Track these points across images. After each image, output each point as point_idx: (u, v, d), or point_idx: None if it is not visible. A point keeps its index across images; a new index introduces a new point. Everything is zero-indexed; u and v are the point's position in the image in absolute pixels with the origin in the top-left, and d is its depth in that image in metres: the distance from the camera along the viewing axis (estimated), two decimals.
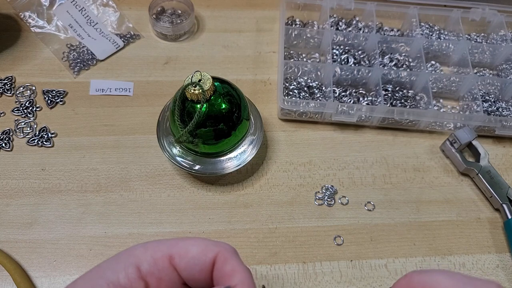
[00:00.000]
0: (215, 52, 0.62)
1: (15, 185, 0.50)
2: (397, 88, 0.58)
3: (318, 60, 0.61)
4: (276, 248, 0.47)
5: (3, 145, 0.52)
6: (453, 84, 0.58)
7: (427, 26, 0.64)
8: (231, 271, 0.26)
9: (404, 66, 0.60)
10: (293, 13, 0.64)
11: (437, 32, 0.64)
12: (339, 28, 0.63)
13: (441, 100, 0.59)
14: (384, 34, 0.63)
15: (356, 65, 0.59)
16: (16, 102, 0.55)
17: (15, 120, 0.54)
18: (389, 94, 0.58)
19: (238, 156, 0.49)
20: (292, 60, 0.60)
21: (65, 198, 0.49)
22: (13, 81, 0.57)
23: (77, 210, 0.49)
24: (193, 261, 0.26)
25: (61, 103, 0.56)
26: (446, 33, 0.64)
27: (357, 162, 0.54)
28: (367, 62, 0.60)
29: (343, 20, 0.64)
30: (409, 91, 0.58)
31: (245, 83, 0.59)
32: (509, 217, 0.49)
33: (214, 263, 0.26)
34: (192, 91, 0.42)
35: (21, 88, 0.56)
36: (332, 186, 0.52)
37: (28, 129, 0.53)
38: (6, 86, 0.56)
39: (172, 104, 0.45)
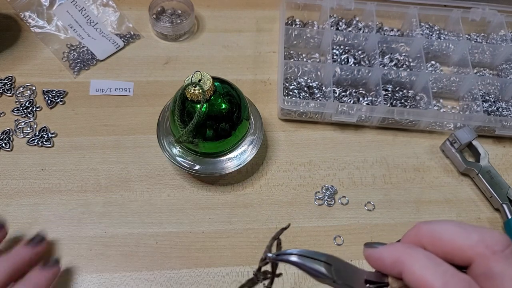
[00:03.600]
0: (215, 52, 0.62)
1: (15, 185, 0.50)
2: (397, 88, 0.58)
3: (318, 60, 0.61)
4: None
5: (3, 145, 0.52)
6: (453, 84, 0.58)
7: (427, 26, 0.64)
8: None
9: (404, 66, 0.60)
10: (293, 13, 0.64)
11: (437, 32, 0.64)
12: (339, 28, 0.63)
13: (441, 100, 0.59)
14: (384, 34, 0.63)
15: (356, 65, 0.59)
16: (16, 102, 0.55)
17: (15, 120, 0.54)
18: (389, 94, 0.58)
19: (238, 156, 0.49)
20: (292, 60, 0.60)
21: (65, 198, 0.49)
22: (13, 81, 0.57)
23: (77, 210, 0.49)
24: None
25: (61, 103, 0.56)
26: (446, 33, 0.64)
27: (357, 162, 0.54)
28: (367, 62, 0.60)
29: (343, 20, 0.64)
30: (409, 91, 0.58)
31: (245, 83, 0.59)
32: (509, 217, 0.49)
33: None
34: (192, 91, 0.42)
35: (21, 88, 0.56)
36: (332, 186, 0.52)
37: (28, 129, 0.53)
38: (6, 86, 0.56)
39: (172, 104, 0.45)
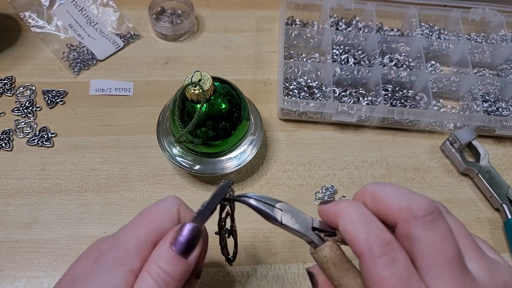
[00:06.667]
0: (215, 52, 0.62)
1: (15, 185, 0.50)
2: (397, 88, 0.58)
3: (318, 60, 0.61)
4: (276, 248, 0.47)
5: (3, 145, 0.52)
6: (453, 84, 0.58)
7: (427, 26, 0.64)
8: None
9: (404, 66, 0.60)
10: (293, 13, 0.65)
11: (437, 32, 0.64)
12: (339, 28, 0.63)
13: (441, 100, 0.59)
14: (384, 34, 0.63)
15: (356, 65, 0.59)
16: (16, 102, 0.55)
17: (15, 120, 0.54)
18: (389, 94, 0.58)
19: (238, 156, 0.49)
20: (292, 60, 0.60)
21: (65, 198, 0.49)
22: (13, 81, 0.57)
23: (77, 210, 0.49)
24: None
25: (61, 103, 0.56)
26: (446, 33, 0.64)
27: (357, 162, 0.54)
28: (367, 62, 0.60)
29: (343, 20, 0.64)
30: (409, 91, 0.58)
31: (245, 83, 0.59)
32: (509, 217, 0.49)
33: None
34: (192, 91, 0.42)
35: (21, 88, 0.56)
36: (332, 186, 0.52)
37: (28, 129, 0.53)
38: (6, 86, 0.56)
39: (172, 104, 0.45)
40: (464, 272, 0.24)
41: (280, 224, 0.29)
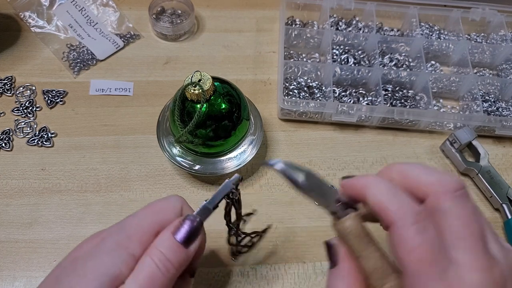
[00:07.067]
0: (215, 52, 0.62)
1: (15, 185, 0.50)
2: (397, 88, 0.58)
3: (318, 60, 0.61)
4: (276, 248, 0.47)
5: (3, 145, 0.52)
6: (453, 84, 0.58)
7: (427, 26, 0.64)
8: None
9: (404, 66, 0.60)
10: (293, 13, 0.65)
11: (437, 32, 0.64)
12: (339, 28, 0.63)
13: (441, 100, 0.59)
14: (384, 34, 0.63)
15: (356, 65, 0.59)
16: (16, 102, 0.55)
17: (15, 120, 0.54)
18: (389, 94, 0.58)
19: (238, 156, 0.49)
20: (292, 60, 0.60)
21: (65, 198, 0.49)
22: (13, 81, 0.57)
23: (77, 210, 0.49)
24: None
25: (61, 103, 0.56)
26: (446, 33, 0.64)
27: (357, 162, 0.54)
28: (367, 62, 0.60)
29: (343, 20, 0.64)
30: (409, 91, 0.58)
31: (245, 83, 0.59)
32: (509, 217, 0.49)
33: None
34: (192, 91, 0.42)
35: (21, 88, 0.56)
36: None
37: (28, 129, 0.54)
38: (6, 86, 0.56)
39: (172, 104, 0.45)
40: (487, 249, 0.25)
41: (304, 191, 0.29)
